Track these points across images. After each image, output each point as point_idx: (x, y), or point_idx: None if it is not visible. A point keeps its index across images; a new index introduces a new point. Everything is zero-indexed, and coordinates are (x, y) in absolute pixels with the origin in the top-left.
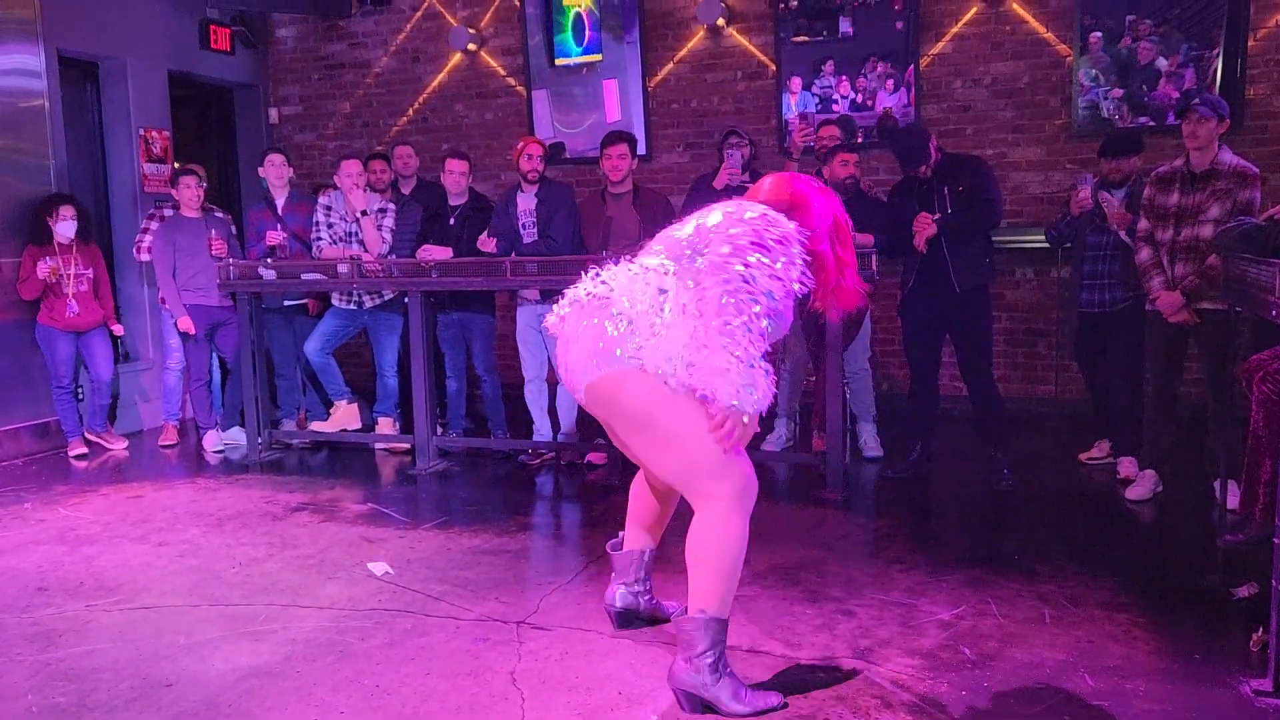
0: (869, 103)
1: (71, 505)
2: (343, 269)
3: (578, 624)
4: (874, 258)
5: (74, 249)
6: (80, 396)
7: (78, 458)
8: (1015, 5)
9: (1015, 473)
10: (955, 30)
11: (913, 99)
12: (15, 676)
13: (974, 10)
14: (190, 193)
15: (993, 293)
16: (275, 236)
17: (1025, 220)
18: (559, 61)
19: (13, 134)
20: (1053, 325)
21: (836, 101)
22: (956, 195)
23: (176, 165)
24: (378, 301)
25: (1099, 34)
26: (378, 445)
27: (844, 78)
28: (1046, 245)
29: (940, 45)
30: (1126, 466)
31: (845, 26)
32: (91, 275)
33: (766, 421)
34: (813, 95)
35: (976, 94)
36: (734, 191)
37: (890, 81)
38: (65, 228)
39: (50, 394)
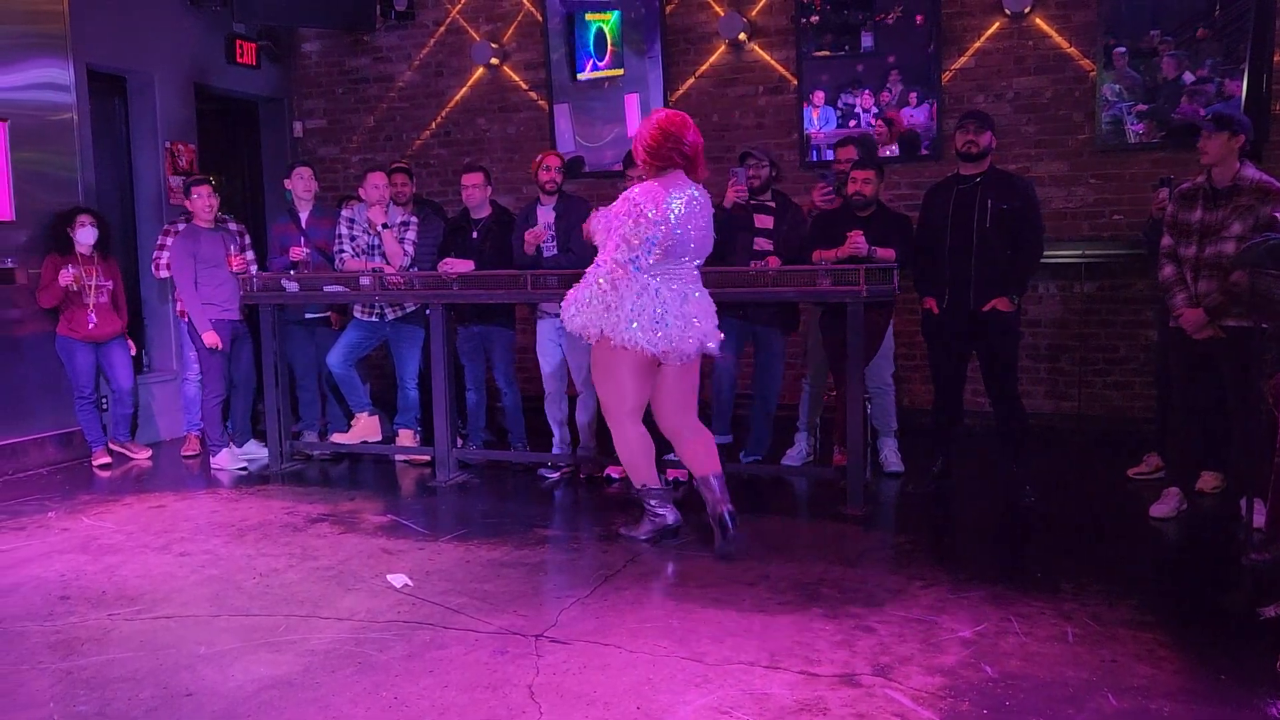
0: (895, 117)
1: (95, 514)
2: (365, 281)
3: (596, 638)
4: (895, 273)
5: (94, 260)
6: (104, 406)
7: (101, 467)
8: (1038, 20)
9: (1038, 489)
10: (978, 45)
11: (935, 113)
12: (38, 684)
13: (996, 25)
14: (203, 202)
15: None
16: (299, 252)
17: (1048, 235)
18: (581, 76)
19: (42, 147)
20: (1075, 340)
21: (857, 116)
22: (1000, 212)
23: (186, 176)
24: (399, 314)
25: (1123, 49)
26: (398, 457)
27: (866, 92)
28: (1070, 260)
29: (963, 60)
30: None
31: (867, 41)
32: (111, 287)
33: (786, 435)
34: (835, 110)
35: (999, 109)
36: (744, 210)
37: (914, 95)
38: (85, 234)
39: (73, 404)
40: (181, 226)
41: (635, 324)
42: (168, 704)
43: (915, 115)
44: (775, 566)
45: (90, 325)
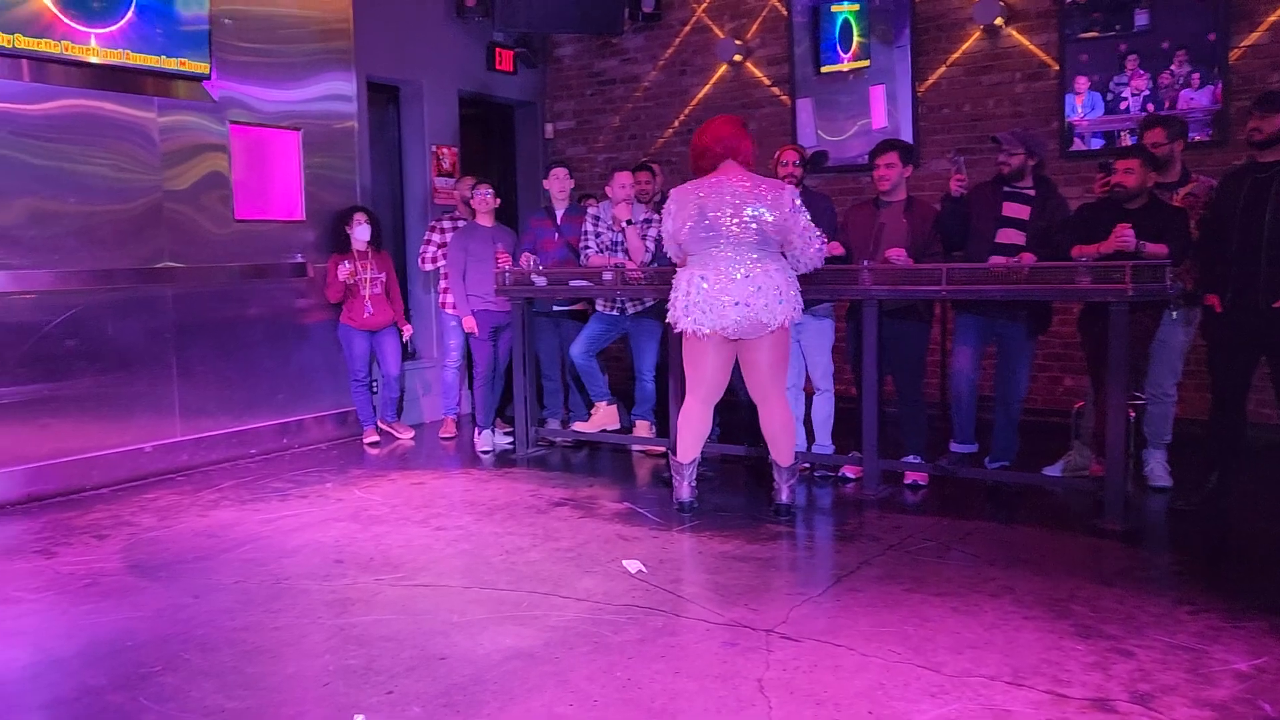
0: (1169, 101)
1: (364, 488)
2: (607, 276)
3: (828, 638)
4: (1167, 270)
5: (369, 255)
6: (374, 390)
7: (370, 445)
8: None
9: None
10: (1273, 19)
11: (1220, 95)
12: (316, 637)
13: None
14: (485, 202)
15: None
16: (506, 259)
17: None
18: (825, 69)
19: (328, 153)
20: None
21: (1126, 100)
22: None
23: (471, 177)
24: (639, 308)
25: None
26: (635, 447)
27: (1139, 74)
28: None
29: (1255, 35)
30: None
31: (1141, 19)
32: (384, 279)
33: (1043, 442)
34: (1102, 96)
35: None
36: (991, 197)
37: (1196, 77)
38: (361, 232)
39: (349, 386)
40: (448, 223)
41: (683, 308)
42: (425, 665)
43: (1196, 98)
44: (1021, 579)
45: (366, 314)
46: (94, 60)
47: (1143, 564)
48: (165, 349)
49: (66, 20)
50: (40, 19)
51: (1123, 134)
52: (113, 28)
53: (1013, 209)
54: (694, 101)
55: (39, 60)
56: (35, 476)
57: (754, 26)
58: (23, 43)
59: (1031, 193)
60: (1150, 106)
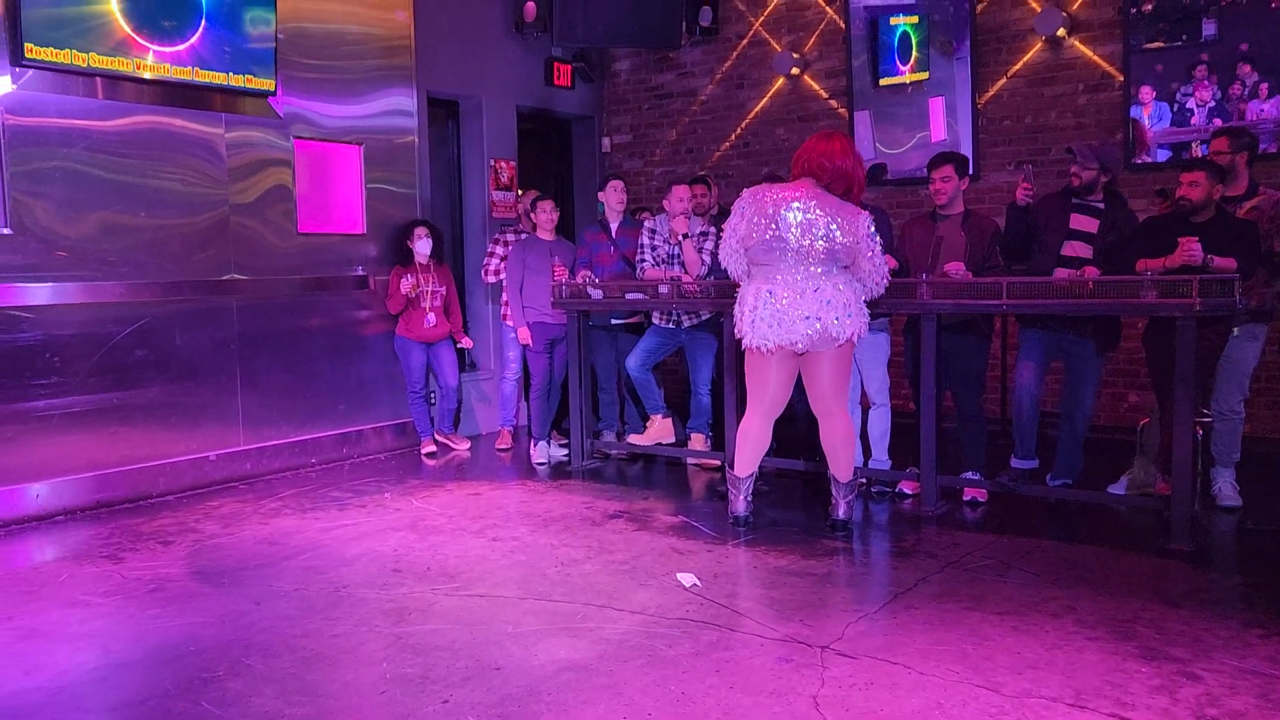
0: (1237, 113)
1: (422, 498)
2: (663, 289)
3: (884, 655)
4: (1236, 285)
5: (430, 268)
6: (432, 401)
7: (428, 455)
8: None
9: None
10: None
11: None
12: (374, 645)
13: None
14: (547, 216)
15: None
16: (563, 272)
17: None
18: (883, 81)
19: (389, 167)
20: None
21: (1194, 112)
22: None
23: (534, 191)
24: (695, 321)
25: None
26: (690, 460)
27: (1205, 84)
28: None
29: None
30: None
31: (1209, 29)
32: (444, 292)
33: (1129, 459)
34: (1168, 106)
35: None
36: (1056, 209)
37: (1265, 87)
38: (422, 246)
39: (407, 398)
40: (511, 236)
41: (749, 323)
42: (480, 675)
43: (1265, 109)
44: (1084, 599)
45: (426, 326)
46: (164, 77)
47: (1210, 585)
48: (230, 359)
49: (138, 39)
50: (113, 38)
51: (1193, 145)
52: (183, 46)
53: (1080, 221)
54: (751, 115)
55: (112, 78)
56: (104, 483)
57: (811, 39)
58: (97, 61)
59: (1100, 206)
60: (1218, 120)
